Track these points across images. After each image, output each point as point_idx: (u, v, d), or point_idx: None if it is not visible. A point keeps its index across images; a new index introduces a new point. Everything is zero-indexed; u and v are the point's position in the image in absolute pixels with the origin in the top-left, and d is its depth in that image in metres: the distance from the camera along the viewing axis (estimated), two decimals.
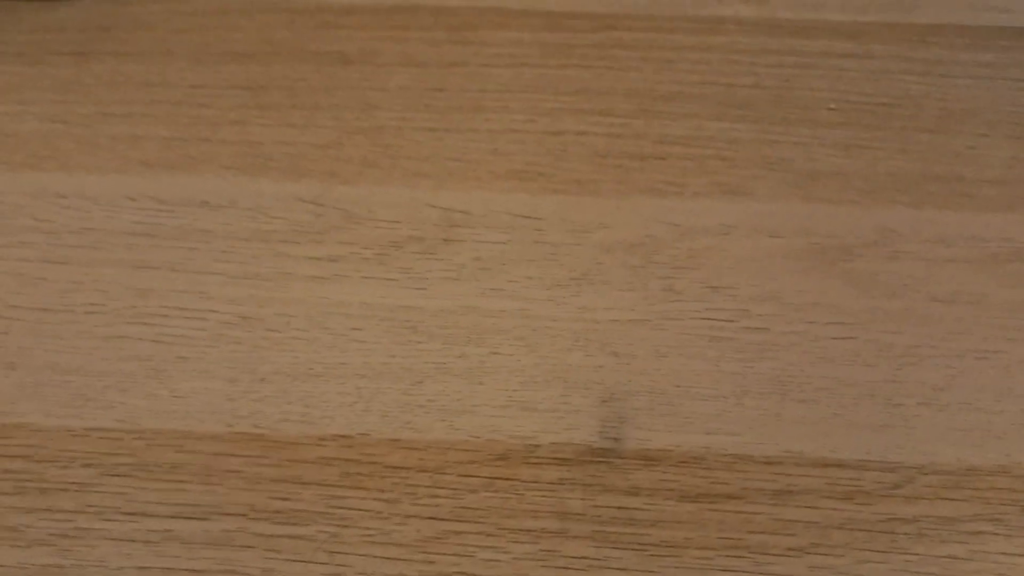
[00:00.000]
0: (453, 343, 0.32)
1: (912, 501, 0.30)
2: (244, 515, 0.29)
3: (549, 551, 0.29)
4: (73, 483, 0.30)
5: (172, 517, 0.29)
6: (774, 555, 0.29)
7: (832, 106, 0.37)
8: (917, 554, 0.29)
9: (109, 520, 0.29)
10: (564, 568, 0.29)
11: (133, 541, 0.29)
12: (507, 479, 0.30)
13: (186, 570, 0.28)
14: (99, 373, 0.31)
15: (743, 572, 0.29)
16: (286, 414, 0.31)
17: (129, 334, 0.32)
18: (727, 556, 0.29)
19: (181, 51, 0.38)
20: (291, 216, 0.35)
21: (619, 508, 0.30)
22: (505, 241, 0.34)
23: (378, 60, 0.38)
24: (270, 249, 0.34)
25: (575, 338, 0.32)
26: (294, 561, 0.29)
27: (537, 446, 0.30)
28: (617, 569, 0.29)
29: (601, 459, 0.30)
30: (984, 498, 0.30)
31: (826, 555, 0.29)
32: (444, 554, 0.29)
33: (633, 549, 0.29)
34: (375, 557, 0.29)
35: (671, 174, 0.36)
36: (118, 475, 0.30)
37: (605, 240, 0.34)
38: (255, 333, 0.32)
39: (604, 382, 0.31)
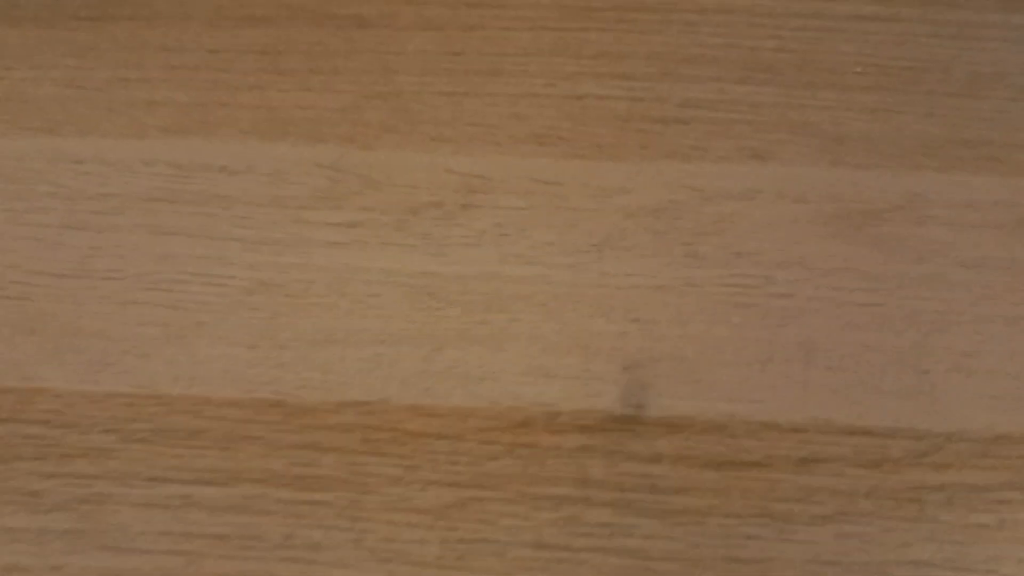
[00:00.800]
0: (473, 309, 0.32)
1: (940, 469, 0.29)
2: (264, 481, 0.29)
3: (571, 518, 0.29)
4: (93, 448, 0.30)
5: (192, 483, 0.29)
6: (799, 523, 0.29)
7: (859, 70, 0.36)
8: (945, 522, 0.28)
9: (129, 485, 0.29)
10: (587, 535, 0.28)
11: (153, 506, 0.29)
12: (528, 446, 0.30)
13: (207, 535, 0.28)
14: (118, 338, 0.31)
15: (767, 540, 0.28)
16: (305, 380, 0.31)
17: (148, 300, 0.32)
18: (751, 524, 0.29)
19: (198, 15, 0.38)
20: (309, 181, 0.34)
21: (641, 475, 0.29)
22: (525, 206, 0.34)
23: (396, 24, 0.38)
24: (289, 215, 0.34)
25: (597, 304, 0.32)
26: (315, 527, 0.29)
27: (558, 413, 0.30)
28: (640, 536, 0.28)
29: (623, 426, 0.30)
30: (1014, 466, 0.29)
31: (853, 523, 0.28)
32: (466, 521, 0.29)
33: (656, 516, 0.29)
34: (396, 523, 0.29)
35: (694, 138, 0.35)
36: (138, 440, 0.30)
37: (627, 205, 0.34)
38: (274, 299, 0.32)
39: (626, 349, 0.31)
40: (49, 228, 0.33)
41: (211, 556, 0.28)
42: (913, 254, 0.32)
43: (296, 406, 0.30)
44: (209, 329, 0.32)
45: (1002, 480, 0.29)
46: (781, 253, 0.33)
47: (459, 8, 0.38)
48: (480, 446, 0.30)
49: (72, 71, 0.37)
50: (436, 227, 0.33)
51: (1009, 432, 0.30)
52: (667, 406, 0.30)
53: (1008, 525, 0.28)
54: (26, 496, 0.29)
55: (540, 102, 0.36)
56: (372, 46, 0.37)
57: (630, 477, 0.29)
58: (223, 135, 0.35)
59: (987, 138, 0.35)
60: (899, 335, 0.31)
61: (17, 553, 0.28)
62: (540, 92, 0.36)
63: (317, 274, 0.33)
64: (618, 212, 0.34)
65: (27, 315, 0.32)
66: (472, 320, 0.32)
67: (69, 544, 0.28)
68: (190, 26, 0.38)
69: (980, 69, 0.36)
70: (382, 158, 0.35)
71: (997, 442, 0.29)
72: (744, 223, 0.33)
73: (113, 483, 0.29)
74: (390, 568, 0.28)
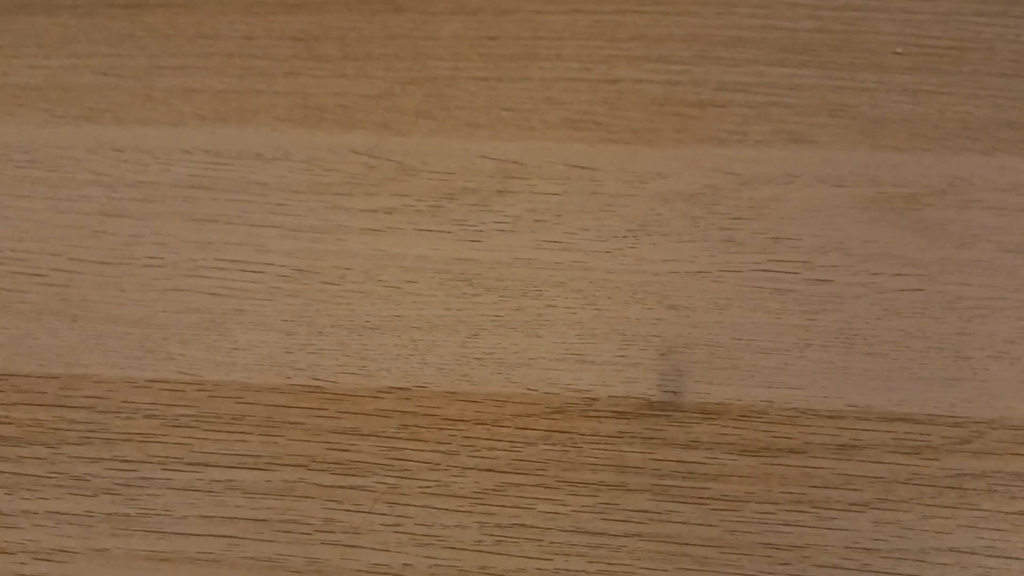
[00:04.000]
0: (509, 295, 0.32)
1: (981, 456, 0.29)
2: (304, 466, 0.29)
3: (608, 504, 0.29)
4: (136, 434, 0.30)
5: (234, 467, 0.29)
6: (838, 510, 0.28)
7: (899, 50, 0.36)
8: (986, 510, 0.28)
9: (172, 470, 0.30)
10: (624, 521, 0.29)
11: (196, 491, 0.29)
12: (565, 432, 0.30)
13: (248, 519, 0.29)
14: (159, 325, 0.32)
15: (805, 527, 0.28)
16: (343, 366, 0.31)
17: (188, 287, 0.32)
18: (789, 510, 0.28)
19: (233, 3, 0.38)
20: (345, 168, 0.34)
21: (679, 462, 0.29)
22: (561, 192, 0.34)
23: (430, 8, 0.38)
24: (325, 201, 0.34)
25: (633, 290, 0.32)
26: (354, 512, 0.29)
27: (595, 399, 0.30)
28: (677, 523, 0.28)
29: (660, 412, 0.30)
30: None
31: (892, 510, 0.28)
32: (503, 506, 0.29)
33: (693, 503, 0.29)
34: (434, 508, 0.29)
35: (731, 122, 0.35)
36: (180, 426, 0.30)
37: (663, 190, 0.33)
38: (311, 286, 0.32)
39: (663, 335, 0.31)
40: (90, 216, 0.34)
41: (252, 540, 0.29)
42: (955, 239, 0.32)
43: (334, 392, 0.30)
44: (248, 316, 0.32)
45: None
46: (820, 238, 0.32)
47: None
48: (517, 432, 0.30)
49: (110, 60, 0.37)
50: (471, 213, 0.33)
51: None
52: (704, 392, 0.30)
53: None
54: (72, 480, 0.30)
55: (575, 86, 0.36)
56: (406, 32, 0.37)
57: (667, 463, 0.29)
58: (259, 122, 0.35)
59: None
60: (940, 322, 0.31)
61: (63, 536, 0.29)
62: (575, 76, 0.36)
63: (353, 261, 0.33)
64: (654, 197, 0.33)
65: (70, 301, 0.32)
66: (508, 306, 0.32)
67: (114, 527, 0.29)
68: (225, 13, 0.38)
69: None
70: (417, 144, 0.35)
71: None
72: (782, 208, 0.33)
73: (156, 468, 0.30)
74: (429, 552, 0.28)
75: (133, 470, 0.30)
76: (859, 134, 0.34)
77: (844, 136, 0.34)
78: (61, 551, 0.29)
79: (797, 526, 0.28)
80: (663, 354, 0.31)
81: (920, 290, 0.31)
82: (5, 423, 0.31)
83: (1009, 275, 0.31)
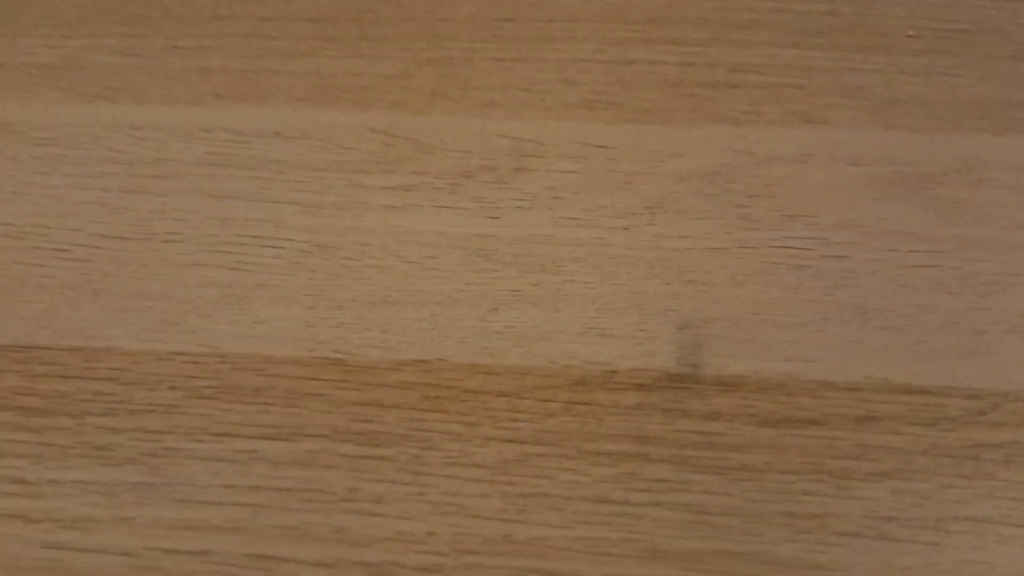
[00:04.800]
0: (528, 271, 0.32)
1: (998, 427, 0.29)
2: (328, 436, 0.30)
3: (629, 473, 0.29)
4: (160, 405, 0.30)
5: (257, 438, 0.30)
6: (857, 479, 0.29)
7: (911, 32, 0.36)
8: (1004, 479, 0.28)
9: (196, 440, 0.30)
10: (645, 490, 0.29)
11: (220, 461, 0.29)
12: (586, 404, 0.30)
13: (273, 488, 0.29)
14: (181, 299, 0.32)
15: (825, 496, 0.29)
16: (365, 339, 0.31)
17: (208, 262, 0.33)
18: (809, 480, 0.29)
19: None
20: (363, 146, 0.35)
21: (699, 432, 0.29)
22: (577, 170, 0.34)
23: None
24: (343, 179, 0.34)
25: (651, 266, 0.32)
26: (378, 481, 0.29)
27: (615, 372, 0.30)
28: (698, 492, 0.29)
29: (680, 384, 0.30)
30: None
31: (910, 480, 0.29)
32: (525, 476, 0.29)
33: (714, 472, 0.29)
34: (457, 478, 0.29)
35: (745, 103, 0.35)
36: (203, 397, 0.30)
37: (679, 169, 0.34)
38: (332, 261, 0.32)
39: (681, 309, 0.31)
40: (110, 192, 0.34)
41: (277, 508, 0.29)
42: (969, 217, 0.32)
43: (356, 364, 0.31)
44: (268, 290, 0.32)
45: None
46: (835, 216, 0.33)
47: None
48: (538, 403, 0.30)
49: (127, 39, 0.37)
50: (489, 191, 0.34)
51: None
52: (723, 365, 0.30)
53: None
54: (98, 450, 0.30)
55: (590, 67, 0.36)
56: (422, 13, 0.37)
57: (687, 434, 0.29)
58: (276, 101, 0.36)
59: None
60: (955, 296, 0.31)
61: (89, 505, 0.29)
62: (590, 57, 0.36)
63: (373, 237, 0.33)
64: (670, 176, 0.34)
65: (92, 276, 0.32)
66: (527, 282, 0.32)
67: (139, 496, 0.29)
68: None
69: None
70: (434, 123, 0.35)
71: None
72: (797, 186, 0.33)
73: (181, 438, 0.30)
74: (453, 520, 0.29)
75: (157, 440, 0.30)
76: (872, 115, 0.35)
77: (857, 116, 0.35)
78: (87, 519, 0.29)
79: (817, 495, 0.29)
80: (681, 328, 0.31)
81: (935, 266, 0.32)
82: (29, 394, 0.31)
83: (1022, 251, 0.32)
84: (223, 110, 0.36)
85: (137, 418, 0.30)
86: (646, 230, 0.33)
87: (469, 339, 0.31)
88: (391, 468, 0.29)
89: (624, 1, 0.37)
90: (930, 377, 0.30)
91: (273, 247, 0.33)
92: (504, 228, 0.33)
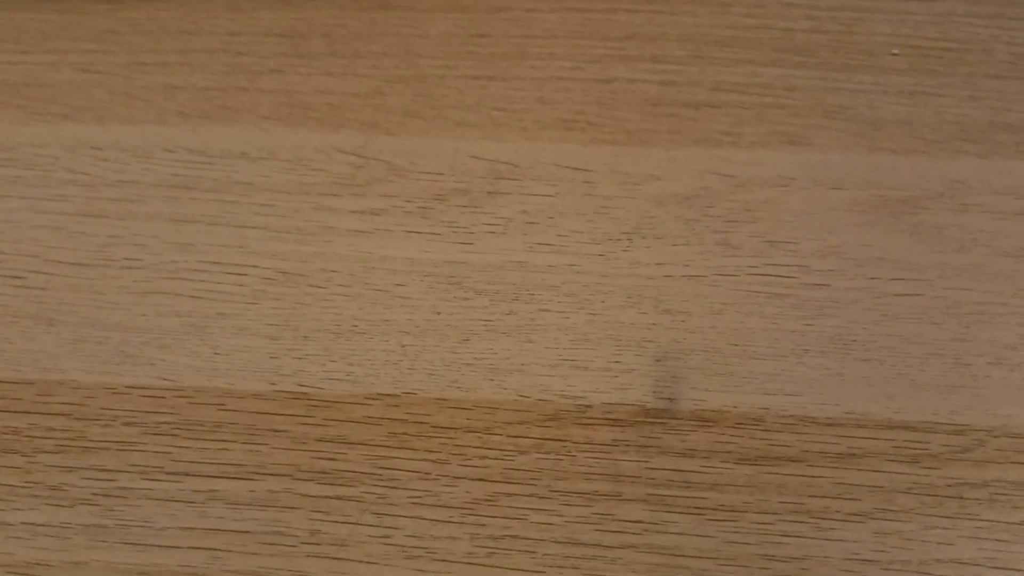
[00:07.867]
0: (500, 299, 0.31)
1: (982, 465, 0.28)
2: (289, 475, 0.29)
3: (603, 514, 0.28)
4: (115, 442, 0.29)
5: (216, 477, 0.29)
6: (837, 520, 0.28)
7: (896, 51, 0.35)
8: (988, 520, 0.28)
9: (152, 479, 0.29)
10: (619, 532, 0.28)
11: (177, 501, 0.28)
12: (558, 440, 0.29)
13: (231, 531, 0.28)
14: (139, 329, 0.31)
15: (804, 537, 0.28)
16: (330, 372, 0.30)
17: (168, 289, 0.31)
18: (788, 521, 0.28)
19: None
20: (332, 168, 0.34)
21: (675, 470, 0.29)
22: (553, 194, 0.33)
23: (419, 5, 0.37)
24: (311, 202, 0.33)
25: (627, 295, 0.31)
26: (341, 523, 0.28)
27: (589, 406, 0.29)
28: (673, 533, 0.28)
29: (655, 420, 0.29)
30: None
31: (892, 520, 0.28)
32: (495, 516, 0.28)
33: (690, 513, 0.28)
34: (424, 519, 0.28)
35: (726, 123, 0.34)
36: (161, 434, 0.29)
37: (658, 192, 0.33)
38: (297, 289, 0.31)
39: (658, 340, 0.30)
40: (68, 216, 0.33)
41: (235, 552, 0.28)
42: (953, 243, 0.32)
43: (321, 399, 0.30)
44: (231, 320, 0.31)
45: None
46: (816, 242, 0.32)
47: None
48: (509, 440, 0.29)
49: (90, 55, 0.36)
50: (462, 215, 0.33)
51: None
52: (700, 399, 0.29)
53: None
54: (49, 490, 0.29)
55: (567, 86, 0.35)
56: (395, 29, 0.36)
57: (663, 472, 0.29)
58: (243, 121, 0.35)
59: None
60: (939, 327, 0.30)
61: (40, 548, 0.28)
62: (567, 76, 0.35)
63: (341, 263, 0.32)
64: (648, 200, 0.33)
65: (46, 305, 0.31)
66: (499, 311, 0.31)
67: (91, 539, 0.28)
68: (209, 9, 0.37)
69: (1022, 50, 0.35)
70: (406, 144, 0.34)
71: None
72: (778, 211, 0.32)
73: (136, 477, 0.29)
74: (418, 565, 0.28)
75: (112, 480, 0.29)
76: (855, 136, 0.34)
77: (840, 138, 0.34)
78: (37, 564, 0.28)
79: (796, 537, 0.28)
80: (658, 360, 0.30)
81: (918, 295, 0.31)
82: None
83: (1008, 280, 0.31)
84: (188, 130, 0.34)
85: (91, 456, 0.29)
86: (622, 256, 0.32)
87: (439, 371, 0.30)
88: (356, 509, 0.28)
89: (603, 17, 0.36)
90: (912, 412, 0.29)
91: (236, 274, 0.32)
92: (476, 254, 0.32)
